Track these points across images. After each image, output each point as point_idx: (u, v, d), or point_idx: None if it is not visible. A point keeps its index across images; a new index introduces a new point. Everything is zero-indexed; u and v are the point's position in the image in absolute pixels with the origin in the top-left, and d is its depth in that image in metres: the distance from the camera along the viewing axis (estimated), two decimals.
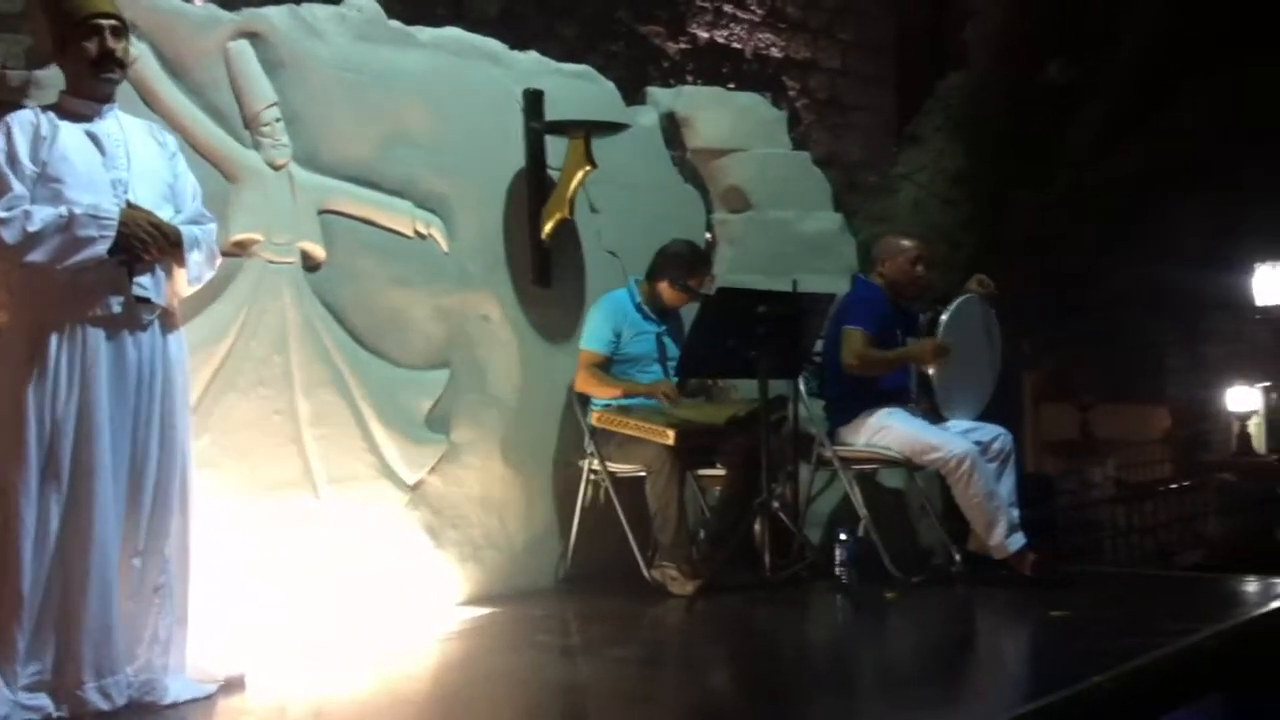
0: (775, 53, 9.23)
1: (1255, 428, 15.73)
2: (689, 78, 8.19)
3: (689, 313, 4.98)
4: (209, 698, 3.36)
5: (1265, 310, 11.64)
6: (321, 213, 4.37)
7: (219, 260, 3.54)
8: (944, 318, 5.02)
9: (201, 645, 3.45)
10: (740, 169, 5.98)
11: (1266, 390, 13.56)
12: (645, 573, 4.79)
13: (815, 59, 9.59)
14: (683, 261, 5.00)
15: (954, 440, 4.83)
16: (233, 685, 3.45)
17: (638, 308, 5.02)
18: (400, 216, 4.59)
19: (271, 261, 4.21)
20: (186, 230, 3.37)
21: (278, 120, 4.24)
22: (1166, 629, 3.80)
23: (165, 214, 3.34)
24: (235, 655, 3.54)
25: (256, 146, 4.21)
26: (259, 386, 4.16)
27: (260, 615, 3.91)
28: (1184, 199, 11.56)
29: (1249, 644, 3.98)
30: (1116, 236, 10.82)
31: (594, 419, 4.94)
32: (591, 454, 4.92)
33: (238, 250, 4.13)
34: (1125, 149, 9.23)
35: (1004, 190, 8.18)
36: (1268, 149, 11.33)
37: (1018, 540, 4.76)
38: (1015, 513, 4.84)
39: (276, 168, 4.25)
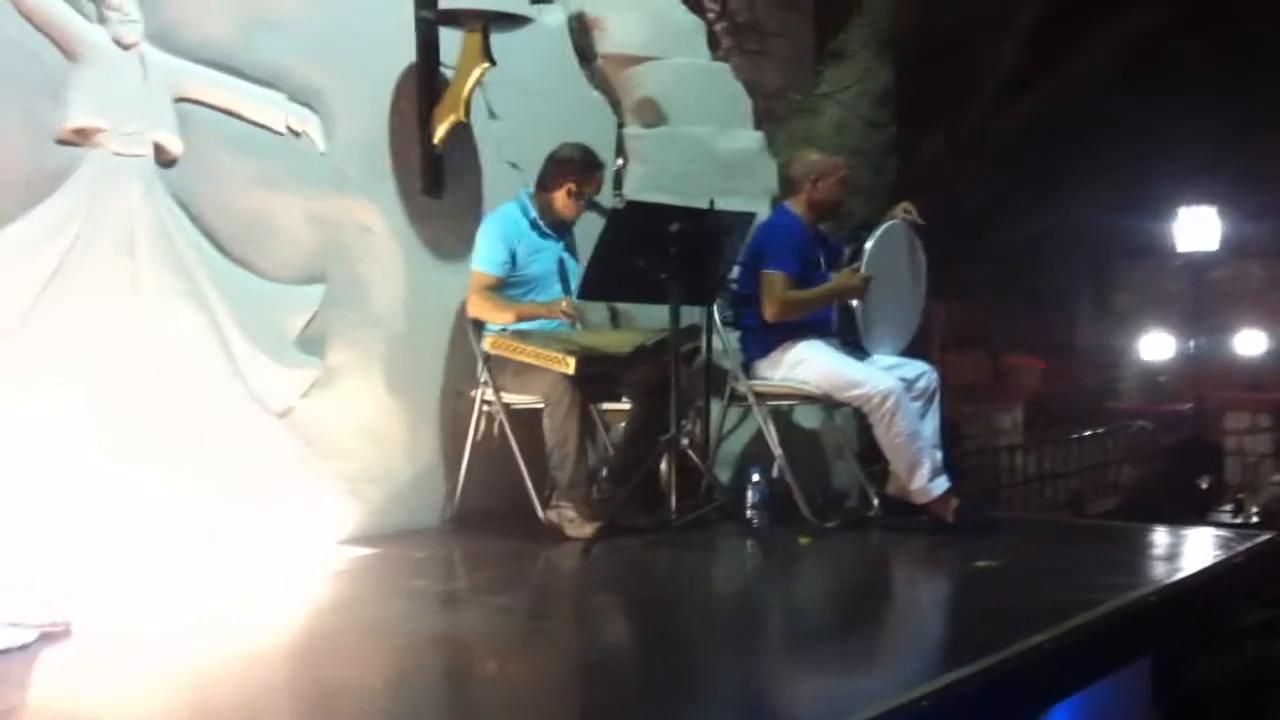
0: None
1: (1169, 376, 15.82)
2: None
3: (587, 230, 4.55)
4: (25, 649, 2.95)
5: (1186, 256, 11.50)
6: (178, 100, 3.87)
7: None
8: (868, 245, 4.66)
9: (17, 590, 3.04)
10: (655, 79, 5.57)
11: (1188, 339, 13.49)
12: (540, 513, 4.46)
13: None
14: (575, 167, 4.57)
15: (878, 376, 4.49)
16: (55, 635, 3.03)
17: (533, 224, 4.59)
18: (270, 109, 4.11)
19: (118, 154, 3.71)
20: None
21: None
22: (1100, 583, 3.51)
23: None
24: (60, 601, 3.10)
25: (102, 21, 3.71)
26: (100, 296, 3.66)
27: (96, 558, 3.47)
28: (1095, 145, 11.42)
29: (1186, 600, 3.69)
30: (1025, 181, 10.65)
31: (488, 345, 4.54)
32: (485, 383, 4.55)
33: (78, 139, 3.65)
34: (1033, 94, 9.03)
35: (920, 120, 7.89)
36: (1180, 94, 11.18)
37: (941, 484, 4.46)
38: (939, 455, 4.53)
39: (125, 46, 3.75)
